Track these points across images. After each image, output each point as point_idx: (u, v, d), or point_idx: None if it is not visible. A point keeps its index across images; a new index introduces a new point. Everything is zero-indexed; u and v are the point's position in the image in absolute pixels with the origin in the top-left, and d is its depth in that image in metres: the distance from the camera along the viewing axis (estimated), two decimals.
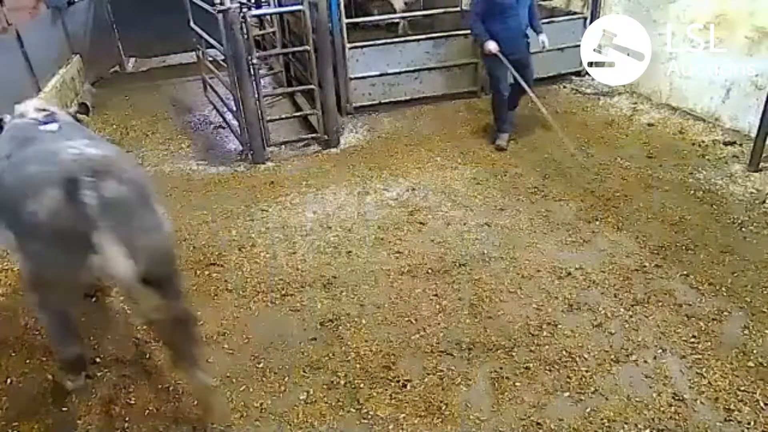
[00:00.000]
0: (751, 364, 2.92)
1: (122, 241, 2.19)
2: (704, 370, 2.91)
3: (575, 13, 7.17)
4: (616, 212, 4.33)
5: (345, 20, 6.10)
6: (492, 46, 5.10)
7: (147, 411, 2.84)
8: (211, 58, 6.65)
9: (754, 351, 2.99)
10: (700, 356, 2.99)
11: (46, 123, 2.74)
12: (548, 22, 6.91)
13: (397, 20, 7.80)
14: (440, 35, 6.56)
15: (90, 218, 2.14)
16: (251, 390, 2.94)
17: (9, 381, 3.05)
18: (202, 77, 7.14)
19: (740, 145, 5.19)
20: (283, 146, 5.83)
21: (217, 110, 6.74)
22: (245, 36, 5.14)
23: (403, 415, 2.75)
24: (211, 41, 5.75)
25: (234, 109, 5.56)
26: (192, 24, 6.70)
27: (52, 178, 2.21)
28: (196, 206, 4.76)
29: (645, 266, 3.71)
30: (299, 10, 5.34)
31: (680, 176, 4.81)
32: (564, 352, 3.06)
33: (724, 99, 5.59)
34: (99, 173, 2.24)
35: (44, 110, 2.89)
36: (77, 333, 2.93)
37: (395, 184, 4.95)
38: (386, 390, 2.89)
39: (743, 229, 4.05)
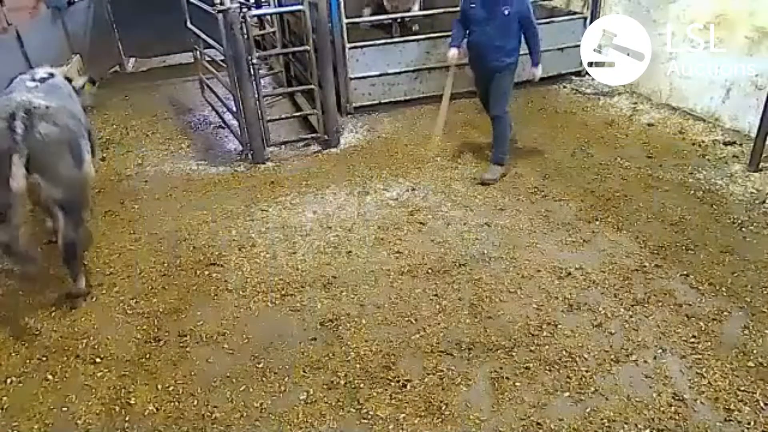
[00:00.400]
0: (751, 364, 2.92)
1: (45, 168, 3.13)
2: (704, 370, 2.91)
3: (575, 13, 7.16)
4: (616, 212, 4.34)
5: (345, 20, 6.10)
6: (450, 53, 4.89)
7: (147, 411, 2.85)
8: (209, 59, 6.65)
9: (754, 351, 3.00)
10: (700, 356, 2.99)
11: (32, 81, 3.60)
12: (548, 22, 6.93)
13: (389, 21, 7.84)
14: (440, 35, 6.55)
15: (15, 142, 3.03)
16: (251, 390, 2.94)
17: (9, 381, 3.05)
18: (200, 78, 7.14)
19: (740, 145, 5.20)
20: (283, 146, 5.83)
21: (216, 111, 6.75)
22: (245, 36, 5.13)
23: (403, 415, 2.76)
24: (211, 42, 5.75)
25: (234, 109, 5.56)
26: (189, 24, 6.69)
27: (2, 114, 3.10)
28: (196, 206, 4.76)
29: (645, 266, 3.71)
30: (299, 10, 5.34)
31: (680, 176, 4.81)
32: (564, 352, 3.06)
33: (724, 99, 5.59)
34: (34, 115, 3.14)
35: (50, 73, 3.78)
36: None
37: (395, 184, 4.95)
38: (386, 390, 2.89)
39: (743, 229, 4.05)
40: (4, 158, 3.01)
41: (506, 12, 4.52)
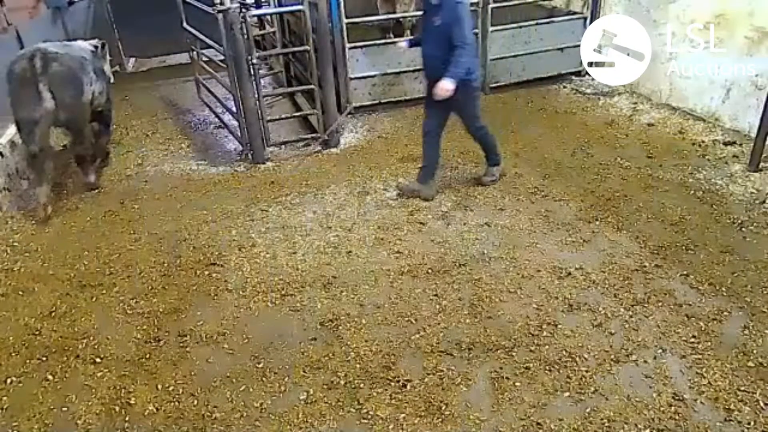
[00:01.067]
0: (751, 364, 2.92)
1: (55, 94, 4.42)
2: (704, 370, 2.91)
3: (575, 13, 7.16)
4: (616, 212, 4.33)
5: (345, 20, 6.10)
6: (399, 44, 4.78)
7: (147, 411, 2.85)
8: (207, 59, 6.63)
9: (754, 351, 2.99)
10: (700, 356, 2.99)
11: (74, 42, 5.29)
12: (548, 22, 6.93)
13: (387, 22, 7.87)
14: None
15: (37, 74, 4.35)
16: (251, 390, 2.94)
17: (9, 381, 3.05)
18: (196, 78, 7.14)
19: (740, 145, 5.19)
20: (283, 146, 5.83)
21: (213, 112, 6.74)
22: (245, 36, 5.13)
23: (403, 415, 2.76)
24: (210, 42, 5.75)
25: (234, 109, 5.56)
26: (186, 25, 6.69)
27: (26, 56, 4.45)
28: (196, 206, 4.76)
29: (645, 266, 3.71)
30: (299, 10, 5.34)
31: (680, 176, 4.81)
32: (564, 352, 3.06)
33: (724, 99, 5.59)
34: (47, 57, 4.42)
35: (91, 43, 5.40)
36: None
37: (395, 184, 4.95)
38: (386, 390, 2.90)
39: (743, 229, 4.04)
40: (30, 86, 4.36)
41: (436, 23, 4.12)
